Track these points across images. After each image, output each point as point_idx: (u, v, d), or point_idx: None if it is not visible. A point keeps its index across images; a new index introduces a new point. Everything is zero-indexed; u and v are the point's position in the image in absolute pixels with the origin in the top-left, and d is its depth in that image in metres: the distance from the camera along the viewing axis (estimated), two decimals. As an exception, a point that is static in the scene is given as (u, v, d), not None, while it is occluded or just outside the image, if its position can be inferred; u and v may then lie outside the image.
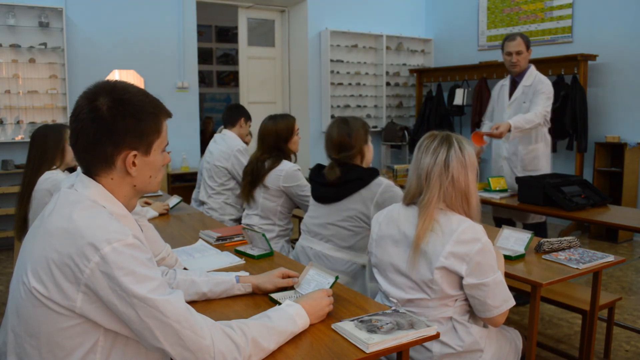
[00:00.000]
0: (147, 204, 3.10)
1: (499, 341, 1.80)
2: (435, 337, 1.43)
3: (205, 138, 6.64)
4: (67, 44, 5.18)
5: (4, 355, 1.17)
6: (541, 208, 3.02)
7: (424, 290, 1.69)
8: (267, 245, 2.16)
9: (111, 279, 1.07)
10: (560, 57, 5.60)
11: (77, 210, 1.13)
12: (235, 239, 2.40)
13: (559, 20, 5.97)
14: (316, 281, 1.68)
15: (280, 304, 1.47)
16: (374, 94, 7.21)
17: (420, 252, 1.67)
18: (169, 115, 1.29)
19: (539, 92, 3.46)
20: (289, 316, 1.36)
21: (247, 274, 1.78)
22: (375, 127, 7.13)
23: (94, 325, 1.11)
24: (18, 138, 5.09)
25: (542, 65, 5.19)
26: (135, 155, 1.21)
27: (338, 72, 6.85)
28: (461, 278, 1.65)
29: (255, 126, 3.39)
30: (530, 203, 3.09)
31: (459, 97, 6.52)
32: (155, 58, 5.79)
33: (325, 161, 2.55)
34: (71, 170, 2.72)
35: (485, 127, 3.82)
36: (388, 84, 7.24)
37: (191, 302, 1.48)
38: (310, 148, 6.75)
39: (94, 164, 1.20)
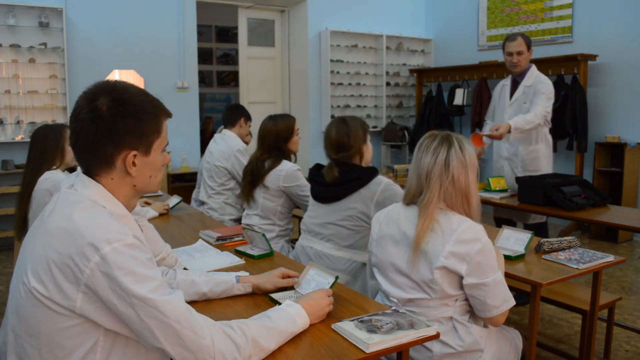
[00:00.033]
0: (147, 204, 3.10)
1: (499, 341, 1.80)
2: (435, 337, 1.43)
3: (205, 138, 6.64)
4: (67, 44, 5.18)
5: (4, 355, 1.17)
6: (541, 208, 3.02)
7: (424, 290, 1.69)
8: (267, 245, 2.16)
9: (111, 279, 1.07)
10: (560, 57, 5.60)
11: (77, 210, 1.13)
12: (235, 239, 2.40)
13: (559, 20, 5.97)
14: (316, 281, 1.68)
15: (280, 304, 1.47)
16: (374, 94, 7.21)
17: (420, 252, 1.67)
18: (169, 115, 1.29)
19: (539, 93, 3.46)
20: (289, 316, 1.36)
21: (247, 274, 1.78)
22: (375, 127, 7.13)
23: (94, 325, 1.11)
24: (18, 138, 5.09)
25: (542, 65, 5.19)
26: (135, 155, 1.21)
27: (338, 72, 6.85)
28: (461, 278, 1.65)
29: (255, 126, 3.39)
30: (530, 203, 3.09)
31: (459, 97, 6.52)
32: (155, 58, 5.79)
33: (325, 161, 2.55)
34: (71, 170, 2.72)
35: (487, 126, 3.81)
36: (388, 84, 7.24)
37: (191, 302, 1.48)
38: (310, 148, 6.75)
39: (94, 164, 1.20)
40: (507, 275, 1.89)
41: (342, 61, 6.86)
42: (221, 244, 2.35)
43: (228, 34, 9.42)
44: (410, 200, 1.77)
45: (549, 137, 3.67)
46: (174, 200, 3.20)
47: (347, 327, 1.40)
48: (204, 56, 8.69)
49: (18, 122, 5.11)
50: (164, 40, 5.84)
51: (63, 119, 5.21)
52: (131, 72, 5.65)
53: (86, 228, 1.09)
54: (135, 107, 1.19)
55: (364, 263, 2.42)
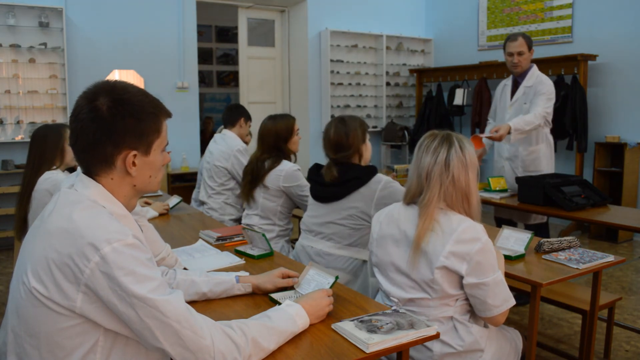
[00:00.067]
0: (147, 204, 3.10)
1: (499, 341, 1.80)
2: (435, 337, 1.43)
3: (205, 138, 6.65)
4: (67, 44, 5.18)
5: (4, 355, 1.17)
6: (541, 208, 3.02)
7: (424, 290, 1.69)
8: (267, 245, 2.16)
9: (111, 279, 1.07)
10: (560, 57, 5.60)
11: (77, 210, 1.13)
12: (235, 239, 2.40)
13: (559, 20, 5.97)
14: (316, 281, 1.68)
15: (280, 304, 1.47)
16: (374, 94, 7.21)
17: (420, 251, 1.67)
18: (168, 115, 1.29)
19: (539, 93, 3.45)
20: (289, 316, 1.36)
21: (247, 274, 1.78)
22: (375, 127, 7.13)
23: (94, 325, 1.11)
24: (18, 138, 5.09)
25: (542, 65, 5.18)
26: (135, 155, 1.21)
27: (338, 72, 6.85)
28: (461, 277, 1.65)
29: (255, 126, 3.39)
30: (530, 203, 3.09)
31: (459, 97, 6.52)
32: (155, 58, 5.79)
33: (325, 161, 2.55)
34: (71, 170, 2.72)
35: (490, 126, 3.81)
36: (388, 84, 7.24)
37: (191, 302, 1.48)
38: (310, 148, 6.76)
39: (94, 164, 1.20)
40: (507, 275, 1.89)
41: (342, 61, 6.86)
42: (221, 244, 2.35)
43: (228, 34, 9.42)
44: (411, 200, 1.77)
45: (550, 138, 3.66)
46: (174, 200, 3.20)
47: (347, 327, 1.40)
48: (204, 56, 8.70)
49: (18, 122, 5.11)
50: (164, 40, 5.84)
51: (63, 119, 5.21)
52: (131, 72, 5.65)
53: (86, 228, 1.09)
54: (135, 107, 1.19)
55: (364, 260, 2.42)
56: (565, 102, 5.42)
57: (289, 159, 3.01)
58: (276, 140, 2.97)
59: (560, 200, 2.92)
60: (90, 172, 1.22)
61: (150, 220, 2.66)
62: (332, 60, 6.74)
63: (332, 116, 6.62)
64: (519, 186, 3.17)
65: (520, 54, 3.49)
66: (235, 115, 3.74)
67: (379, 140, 7.20)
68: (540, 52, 5.87)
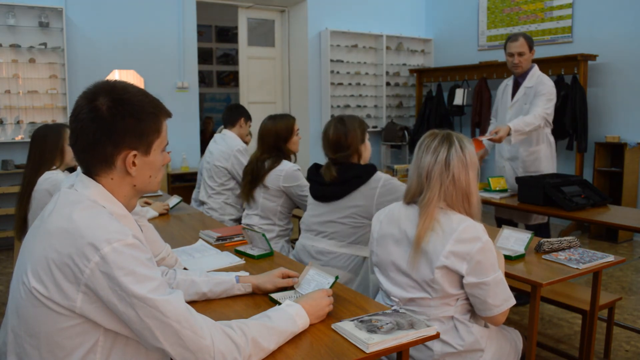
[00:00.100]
0: (147, 204, 3.10)
1: (500, 341, 1.80)
2: (435, 337, 1.43)
3: (205, 138, 6.65)
4: (67, 44, 5.18)
5: (4, 355, 1.17)
6: (541, 208, 3.02)
7: (425, 290, 1.69)
8: (267, 245, 2.16)
9: (111, 279, 1.07)
10: (560, 57, 5.60)
11: (77, 210, 1.13)
12: (235, 239, 2.40)
13: (559, 20, 5.97)
14: (316, 281, 1.68)
15: (280, 304, 1.47)
16: (374, 94, 7.21)
17: (421, 251, 1.67)
18: (168, 115, 1.29)
19: (539, 94, 3.44)
20: (289, 316, 1.36)
21: (247, 274, 1.78)
22: (375, 127, 7.13)
23: (94, 325, 1.11)
24: (18, 138, 5.09)
25: (542, 65, 5.18)
26: (135, 155, 1.21)
27: (338, 72, 6.85)
28: (462, 277, 1.65)
29: (255, 126, 3.39)
30: (530, 203, 3.09)
31: (459, 97, 6.52)
32: (155, 58, 5.79)
33: (324, 161, 2.55)
34: (71, 170, 2.72)
35: (492, 125, 3.81)
36: (388, 84, 7.24)
37: (191, 302, 1.48)
38: (310, 148, 6.75)
39: (94, 164, 1.20)
40: (507, 275, 1.89)
41: (342, 61, 6.86)
42: (221, 244, 2.35)
43: (228, 34, 9.42)
44: (411, 199, 1.77)
45: (551, 138, 3.65)
46: (174, 200, 3.20)
47: (347, 327, 1.40)
48: (204, 56, 8.70)
49: (18, 122, 5.11)
50: (164, 40, 5.84)
51: (63, 119, 5.21)
52: (131, 72, 5.65)
53: (86, 228, 1.09)
54: (135, 107, 1.19)
55: (365, 257, 2.42)
56: (565, 102, 5.42)
57: (289, 159, 3.01)
58: (276, 140, 2.97)
59: (560, 200, 2.92)
60: (90, 172, 1.22)
61: (150, 220, 2.66)
62: (332, 60, 6.74)
63: (332, 116, 6.61)
64: (519, 186, 3.17)
65: (521, 54, 3.48)
66: (235, 115, 3.74)
67: (379, 140, 7.20)
68: (540, 52, 5.85)
